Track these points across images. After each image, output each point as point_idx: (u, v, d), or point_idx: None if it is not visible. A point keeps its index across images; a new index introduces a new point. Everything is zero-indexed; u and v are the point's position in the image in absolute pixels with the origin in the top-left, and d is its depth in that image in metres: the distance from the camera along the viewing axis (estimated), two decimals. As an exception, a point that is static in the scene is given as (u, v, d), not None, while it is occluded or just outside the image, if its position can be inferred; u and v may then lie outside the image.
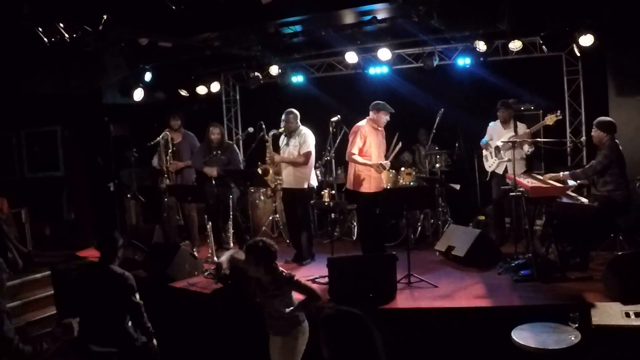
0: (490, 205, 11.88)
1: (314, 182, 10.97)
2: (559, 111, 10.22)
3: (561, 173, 9.26)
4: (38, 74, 12.28)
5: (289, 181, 10.87)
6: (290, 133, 10.81)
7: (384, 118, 10.18)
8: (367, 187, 10.18)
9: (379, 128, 10.27)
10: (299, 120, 10.83)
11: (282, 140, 11.02)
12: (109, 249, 7.20)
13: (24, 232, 12.74)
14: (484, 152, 11.45)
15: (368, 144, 10.13)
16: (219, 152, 11.25)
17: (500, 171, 11.11)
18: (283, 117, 10.80)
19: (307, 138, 10.69)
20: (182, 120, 11.99)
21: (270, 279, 6.45)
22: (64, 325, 5.90)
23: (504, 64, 12.34)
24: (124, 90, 12.49)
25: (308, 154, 10.64)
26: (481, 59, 11.91)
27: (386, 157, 10.25)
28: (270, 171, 11.58)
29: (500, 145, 10.95)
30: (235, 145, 11.65)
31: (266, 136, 11.27)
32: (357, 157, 10.12)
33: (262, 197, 13.03)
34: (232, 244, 11.17)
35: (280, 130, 10.94)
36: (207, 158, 11.28)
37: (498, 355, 7.05)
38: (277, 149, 11.28)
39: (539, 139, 10.65)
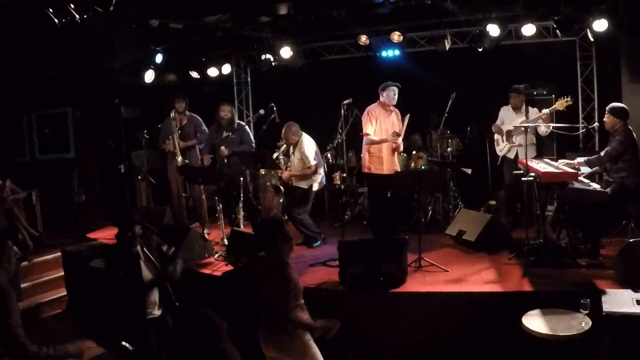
0: (501, 190, 11.87)
1: (318, 186, 11.02)
2: (569, 96, 10.18)
3: (575, 160, 9.23)
4: (48, 56, 12.26)
5: (295, 182, 10.99)
6: (293, 145, 10.89)
7: (391, 96, 10.18)
8: (379, 169, 10.27)
9: (390, 108, 10.27)
10: (299, 132, 10.90)
11: (291, 150, 11.10)
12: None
13: (35, 214, 12.76)
14: (496, 135, 11.42)
15: (378, 125, 10.17)
16: (230, 132, 11.24)
17: (511, 156, 11.10)
18: (283, 131, 10.90)
19: (306, 151, 10.74)
20: (187, 102, 11.96)
21: (270, 257, 6.10)
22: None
23: (517, 48, 12.28)
24: (134, 72, 12.46)
25: (313, 167, 10.74)
26: (494, 42, 11.85)
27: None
28: (282, 189, 11.59)
29: (512, 130, 10.93)
30: (247, 126, 11.62)
31: (278, 157, 11.33)
32: (372, 137, 10.26)
33: (272, 180, 13.02)
34: (242, 226, 11.17)
35: (283, 149, 11.04)
36: (218, 139, 11.29)
37: (508, 340, 7.05)
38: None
39: (551, 124, 10.58)
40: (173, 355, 3.73)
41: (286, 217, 12.68)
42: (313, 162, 10.68)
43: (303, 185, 10.81)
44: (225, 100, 12.17)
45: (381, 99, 10.28)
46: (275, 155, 11.23)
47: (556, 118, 11.10)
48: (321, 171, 11.02)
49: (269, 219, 6.28)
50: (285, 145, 11.23)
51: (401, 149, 10.51)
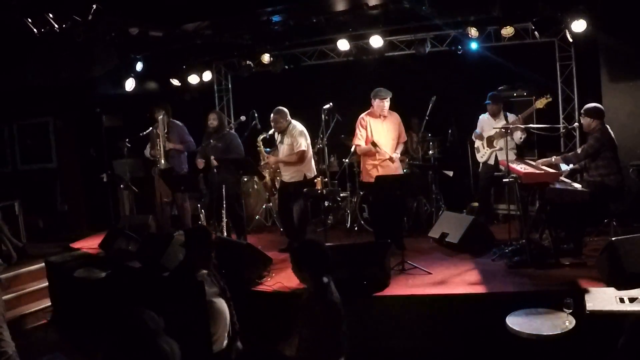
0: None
1: (312, 173, 10.90)
2: (548, 94, 10.27)
3: (553, 157, 9.28)
4: (28, 66, 12.22)
5: (287, 176, 10.84)
6: (282, 131, 10.77)
7: (378, 105, 10.18)
8: (373, 175, 10.21)
9: (380, 116, 10.25)
10: (288, 117, 10.75)
11: (277, 137, 10.99)
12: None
13: (18, 225, 12.71)
14: (476, 143, 11.52)
15: (369, 133, 10.17)
16: (215, 139, 11.23)
17: (491, 162, 11.23)
18: (271, 117, 10.75)
19: (299, 136, 10.63)
20: (167, 110, 11.92)
21: (314, 290, 5.61)
22: None
23: (496, 50, 12.31)
24: (115, 81, 12.44)
25: (301, 153, 10.59)
26: (473, 45, 11.90)
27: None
28: (267, 176, 11.48)
29: (493, 134, 11.02)
30: (235, 133, 11.60)
31: (258, 143, 11.19)
32: (361, 148, 10.37)
33: (255, 186, 13.00)
34: (225, 234, 11.15)
35: (270, 132, 10.92)
36: (204, 145, 11.29)
37: (492, 341, 7.06)
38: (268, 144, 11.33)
39: (531, 125, 10.65)
40: (107, 357, 3.75)
41: (269, 223, 12.71)
42: (303, 147, 10.58)
43: (295, 178, 10.72)
44: (207, 108, 12.19)
45: (372, 105, 10.33)
46: (261, 137, 11.11)
47: (537, 119, 11.16)
48: (310, 159, 10.93)
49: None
50: (272, 131, 11.08)
51: (395, 155, 10.42)
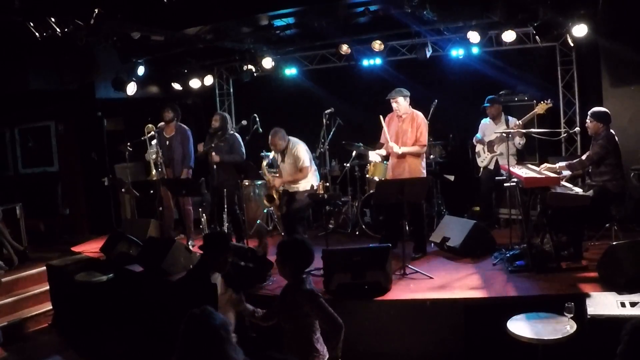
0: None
1: (317, 181, 10.89)
2: (549, 99, 10.25)
3: (557, 164, 9.24)
4: (31, 69, 12.26)
5: (292, 188, 10.79)
6: (282, 151, 10.73)
7: (394, 106, 10.06)
8: (388, 175, 10.30)
9: (401, 116, 10.12)
10: (286, 136, 10.67)
11: (277, 157, 10.96)
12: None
13: (19, 229, 12.71)
14: (477, 147, 11.52)
15: (388, 133, 10.09)
16: (218, 140, 11.22)
17: (492, 167, 11.20)
18: (269, 139, 10.66)
19: (300, 153, 10.57)
20: (176, 113, 11.89)
21: (291, 284, 5.86)
22: None
23: (497, 54, 12.33)
24: (117, 85, 12.45)
25: (305, 169, 10.58)
26: (474, 50, 11.90)
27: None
28: (276, 196, 11.45)
29: (494, 139, 11.01)
30: (238, 136, 11.57)
31: (263, 168, 11.18)
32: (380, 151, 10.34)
33: (256, 191, 12.99)
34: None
35: (271, 157, 10.90)
36: (206, 148, 11.29)
37: (493, 346, 7.06)
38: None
39: (532, 130, 10.63)
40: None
41: (271, 227, 12.68)
42: (307, 164, 10.55)
43: (302, 188, 10.67)
44: (209, 112, 12.20)
45: None
46: (265, 162, 11.12)
47: (538, 123, 11.14)
48: (315, 170, 10.92)
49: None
50: (273, 153, 11.03)
51: (398, 151, 10.24)
